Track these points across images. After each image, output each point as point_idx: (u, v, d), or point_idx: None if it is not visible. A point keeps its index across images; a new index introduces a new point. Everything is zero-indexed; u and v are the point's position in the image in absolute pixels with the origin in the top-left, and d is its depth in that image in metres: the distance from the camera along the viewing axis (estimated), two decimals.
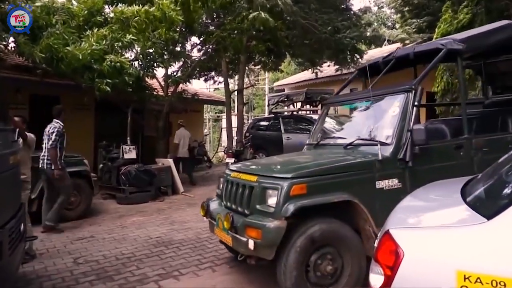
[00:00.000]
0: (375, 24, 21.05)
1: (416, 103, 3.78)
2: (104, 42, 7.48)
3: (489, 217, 1.56)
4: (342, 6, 12.81)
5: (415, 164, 3.66)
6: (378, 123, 4.03)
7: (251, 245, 3.23)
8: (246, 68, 14.43)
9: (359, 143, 3.98)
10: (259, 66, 15.77)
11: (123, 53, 8.19)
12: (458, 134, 4.22)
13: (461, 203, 1.86)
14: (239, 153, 9.65)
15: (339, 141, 4.43)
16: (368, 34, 13.08)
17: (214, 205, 4.15)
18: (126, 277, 4.05)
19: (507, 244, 1.45)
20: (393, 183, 3.63)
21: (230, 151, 10.07)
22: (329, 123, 5.08)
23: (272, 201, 3.32)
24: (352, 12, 13.24)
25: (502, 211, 1.52)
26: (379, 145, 3.64)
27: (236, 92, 13.15)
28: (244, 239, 3.32)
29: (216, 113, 26.82)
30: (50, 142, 5.58)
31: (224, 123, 15.17)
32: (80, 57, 6.95)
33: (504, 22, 5.13)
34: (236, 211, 3.68)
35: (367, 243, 3.47)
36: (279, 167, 4.04)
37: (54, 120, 5.78)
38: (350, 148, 4.04)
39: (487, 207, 1.68)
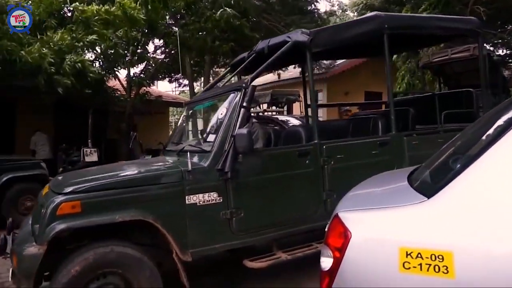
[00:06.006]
0: None
1: (245, 104, 3.28)
2: (64, 42, 7.27)
3: (429, 196, 1.63)
4: (305, 8, 13.02)
5: (239, 175, 3.19)
6: (209, 126, 3.73)
7: (10, 275, 2.75)
8: (211, 70, 14.41)
9: (189, 150, 3.48)
10: (224, 69, 15.77)
11: (83, 53, 8.00)
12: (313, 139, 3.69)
13: (406, 187, 1.94)
14: None
15: (178, 147, 3.95)
16: None
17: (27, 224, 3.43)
18: None
19: (442, 219, 1.52)
20: (211, 197, 3.13)
21: None
22: (184, 126, 4.60)
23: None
24: (316, 16, 13.47)
25: (440, 190, 1.60)
26: (188, 154, 3.18)
27: None
28: (11, 267, 2.83)
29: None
30: None
31: None
32: (38, 58, 6.69)
33: (372, 14, 4.40)
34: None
35: (180, 268, 2.99)
36: (67, 179, 3.30)
37: None
38: (182, 154, 3.53)
39: (429, 188, 1.75)
